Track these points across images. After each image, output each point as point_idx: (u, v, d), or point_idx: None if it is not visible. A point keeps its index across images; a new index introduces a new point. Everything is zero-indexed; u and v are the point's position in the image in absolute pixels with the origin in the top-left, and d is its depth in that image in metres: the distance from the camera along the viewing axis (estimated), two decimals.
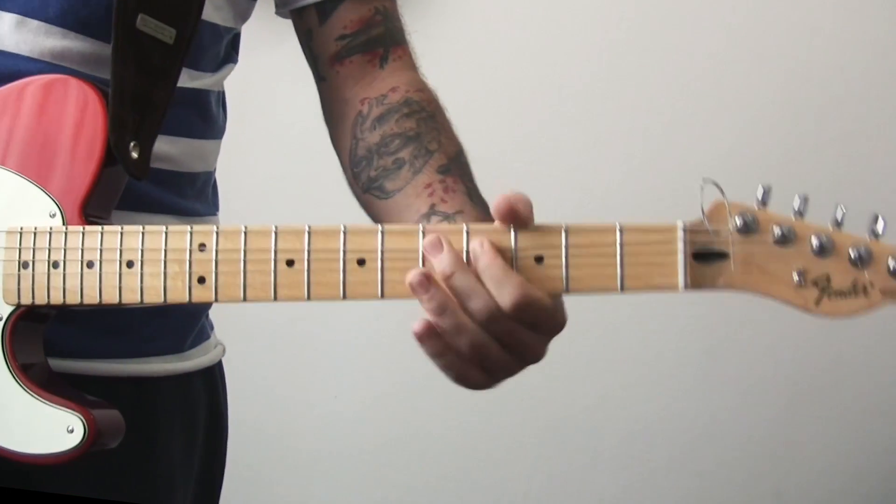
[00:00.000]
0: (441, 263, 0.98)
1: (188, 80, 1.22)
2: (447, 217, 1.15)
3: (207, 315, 1.35)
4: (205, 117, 1.29)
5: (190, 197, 1.28)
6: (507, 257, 1.00)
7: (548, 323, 1.00)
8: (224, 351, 1.37)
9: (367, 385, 2.50)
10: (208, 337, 1.36)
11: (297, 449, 2.51)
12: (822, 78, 2.40)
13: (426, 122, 1.25)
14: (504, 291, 0.97)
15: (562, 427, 2.48)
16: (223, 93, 1.34)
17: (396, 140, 1.24)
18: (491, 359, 1.00)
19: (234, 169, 1.38)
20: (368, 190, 1.24)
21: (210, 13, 1.24)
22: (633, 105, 2.45)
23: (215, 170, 1.34)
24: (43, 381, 1.11)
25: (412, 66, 1.32)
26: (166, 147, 1.19)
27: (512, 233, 1.00)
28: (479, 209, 1.16)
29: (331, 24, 1.29)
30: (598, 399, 2.46)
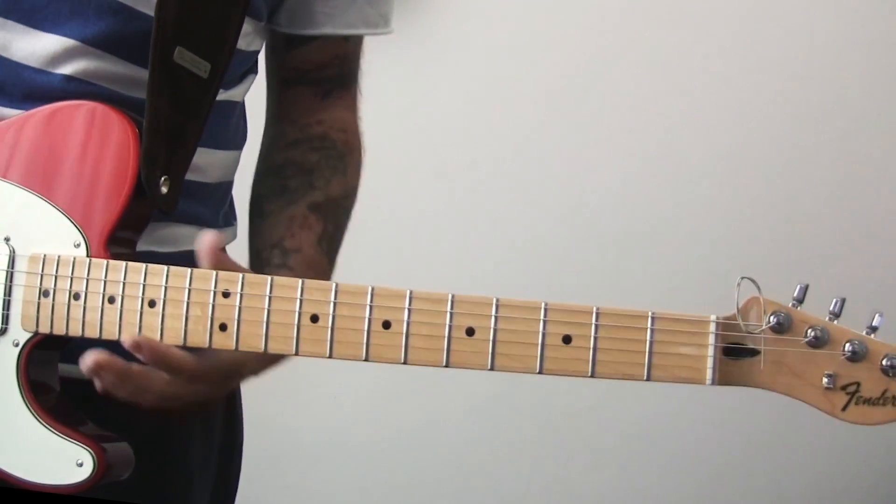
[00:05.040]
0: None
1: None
2: (284, 253, 1.23)
3: None
4: (227, 128, 1.29)
5: (211, 207, 1.28)
6: (534, 332, 0.99)
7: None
8: None
9: (367, 386, 2.50)
10: None
11: (296, 449, 2.52)
12: (822, 78, 2.38)
13: (328, 160, 1.31)
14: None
15: (562, 427, 2.49)
16: (243, 103, 1.34)
17: (293, 167, 1.30)
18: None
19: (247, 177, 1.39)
20: (253, 204, 1.31)
21: (242, 43, 1.23)
22: (632, 106, 2.43)
23: (233, 181, 1.34)
24: (55, 409, 1.10)
25: (349, 108, 1.36)
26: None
27: (542, 309, 0.99)
28: (322, 254, 1.24)
29: (292, 56, 1.33)
30: (598, 399, 2.46)
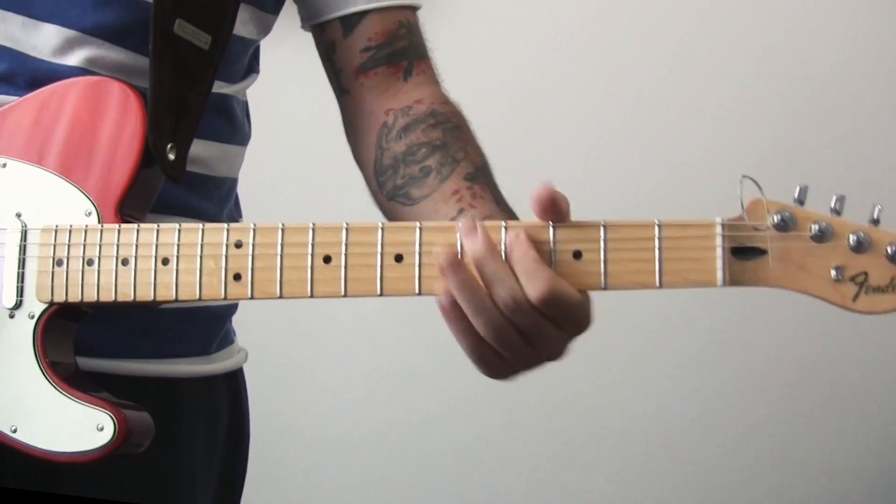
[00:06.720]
0: (474, 247, 0.99)
1: (216, 87, 1.24)
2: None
3: (231, 320, 1.35)
4: (231, 122, 1.31)
5: (216, 202, 1.30)
6: (545, 251, 1.00)
7: (572, 320, 1.00)
8: (246, 357, 1.37)
9: (368, 384, 2.51)
10: (232, 342, 1.36)
11: (297, 447, 2.51)
12: (822, 78, 2.43)
13: (452, 133, 1.26)
14: (533, 284, 0.97)
15: (561, 427, 2.48)
16: (247, 102, 1.36)
17: (423, 149, 1.25)
18: (510, 346, 1.00)
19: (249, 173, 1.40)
20: (394, 198, 1.25)
21: (238, 27, 1.26)
22: (633, 106, 2.47)
23: (237, 178, 1.35)
24: (73, 379, 1.10)
25: (435, 80, 1.33)
26: (197, 150, 1.20)
27: (550, 228, 1.01)
28: (507, 216, 1.16)
29: (355, 36, 1.30)
30: (597, 399, 2.47)
